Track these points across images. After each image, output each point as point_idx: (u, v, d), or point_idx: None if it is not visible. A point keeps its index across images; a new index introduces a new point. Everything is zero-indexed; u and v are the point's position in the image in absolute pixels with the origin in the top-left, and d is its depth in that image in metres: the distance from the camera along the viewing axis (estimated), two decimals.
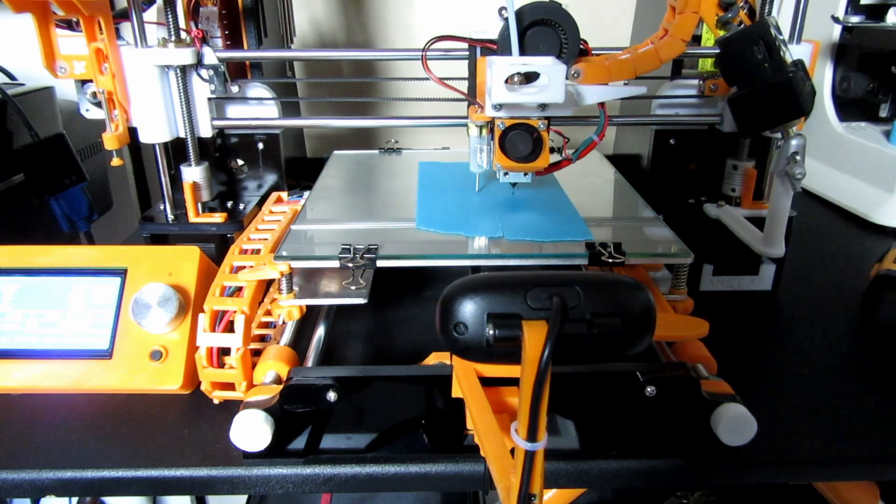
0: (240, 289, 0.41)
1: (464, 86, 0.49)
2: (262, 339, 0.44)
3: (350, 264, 0.41)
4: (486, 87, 0.43)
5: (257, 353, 0.41)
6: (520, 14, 0.43)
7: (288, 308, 0.42)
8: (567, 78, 0.44)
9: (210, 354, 0.38)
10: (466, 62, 0.48)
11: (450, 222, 0.47)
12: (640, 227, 0.49)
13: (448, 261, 0.43)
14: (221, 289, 0.41)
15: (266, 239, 0.47)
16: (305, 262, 0.42)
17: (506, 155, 0.45)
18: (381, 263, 0.41)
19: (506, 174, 0.48)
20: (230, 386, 0.40)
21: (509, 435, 0.27)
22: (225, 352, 0.39)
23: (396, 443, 0.38)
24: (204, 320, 0.39)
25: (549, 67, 0.41)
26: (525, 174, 0.48)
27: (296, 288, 0.43)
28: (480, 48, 0.47)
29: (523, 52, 0.44)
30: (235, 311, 0.39)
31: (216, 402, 0.41)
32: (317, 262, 0.42)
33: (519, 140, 0.45)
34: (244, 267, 0.42)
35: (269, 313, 0.46)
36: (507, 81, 0.41)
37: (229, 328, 0.39)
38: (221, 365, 0.39)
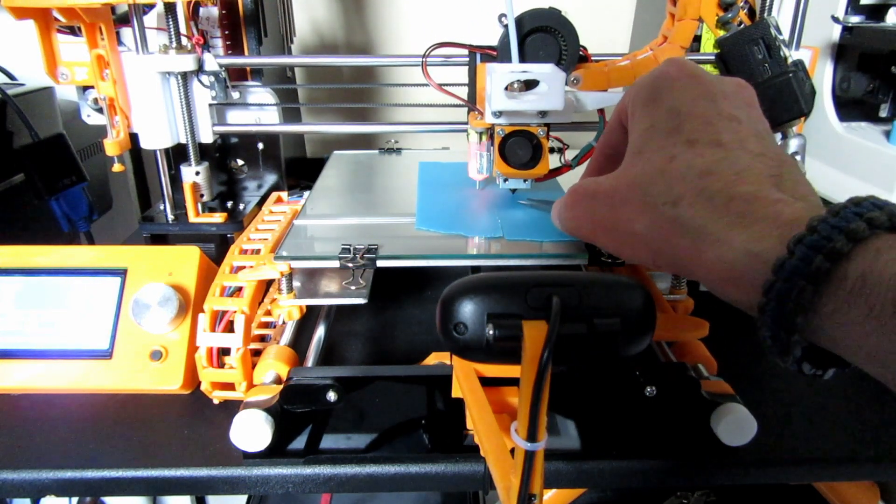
0: (240, 289, 0.41)
1: (463, 92, 0.49)
2: (262, 339, 0.44)
3: (350, 264, 0.41)
4: (486, 93, 0.43)
5: (257, 353, 0.41)
6: (520, 21, 0.43)
7: (288, 308, 0.42)
8: (567, 84, 0.44)
9: (210, 354, 0.38)
10: (466, 68, 0.48)
11: (450, 222, 0.47)
12: None
13: (448, 261, 0.43)
14: (221, 289, 0.41)
15: (266, 239, 0.46)
16: (305, 263, 0.42)
17: (506, 162, 0.45)
18: (381, 263, 0.41)
19: (505, 180, 0.48)
20: (230, 386, 0.40)
21: (509, 435, 0.27)
22: (225, 352, 0.39)
23: (396, 443, 0.38)
24: (204, 320, 0.38)
25: (548, 74, 0.41)
26: (524, 180, 0.48)
27: (296, 287, 0.43)
28: (480, 55, 0.47)
29: (523, 58, 0.44)
30: (235, 311, 0.39)
31: (216, 402, 0.41)
32: (317, 262, 0.42)
33: (519, 147, 0.45)
34: (244, 267, 0.42)
35: (269, 313, 0.46)
36: (507, 88, 0.41)
37: (229, 328, 0.39)
38: (221, 365, 0.39)
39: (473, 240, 0.45)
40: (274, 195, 0.57)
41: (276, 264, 0.41)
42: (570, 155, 0.49)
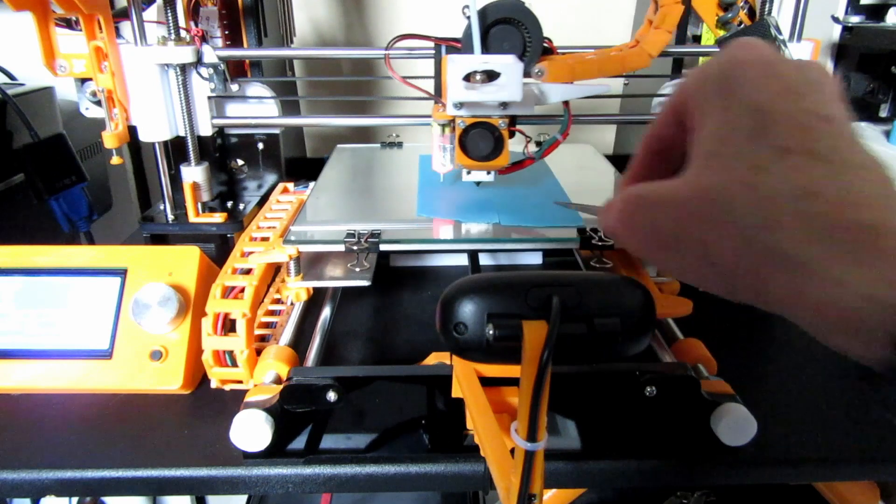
0: (242, 289, 0.41)
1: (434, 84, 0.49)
2: (267, 329, 0.46)
3: (355, 247, 0.43)
4: (446, 85, 0.43)
5: (264, 339, 0.42)
6: (483, 12, 0.43)
7: (296, 290, 0.45)
8: (531, 76, 0.44)
9: (216, 356, 0.39)
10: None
11: (448, 210, 0.49)
12: None
13: (447, 245, 0.46)
14: (223, 289, 0.41)
15: (274, 227, 0.48)
16: (313, 246, 0.44)
17: (466, 154, 0.45)
18: (384, 247, 0.43)
19: (468, 172, 0.48)
20: (238, 381, 0.41)
21: (509, 435, 0.27)
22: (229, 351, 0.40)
23: (396, 443, 0.38)
24: (207, 324, 0.39)
25: (507, 65, 0.41)
26: (488, 172, 0.48)
27: (303, 272, 0.45)
28: (446, 47, 0.46)
29: (487, 50, 0.44)
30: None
31: (227, 389, 0.42)
32: (323, 246, 0.44)
33: (479, 139, 0.45)
34: (254, 252, 0.44)
35: (271, 311, 0.46)
36: (468, 79, 0.41)
37: (231, 327, 0.39)
38: (228, 361, 0.40)
39: (471, 226, 0.46)
40: (280, 185, 0.58)
41: (284, 248, 0.43)
42: (532, 147, 0.49)
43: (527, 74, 0.44)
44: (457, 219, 0.47)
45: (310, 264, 0.46)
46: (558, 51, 0.46)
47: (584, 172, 0.63)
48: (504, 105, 0.43)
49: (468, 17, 0.43)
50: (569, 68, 0.45)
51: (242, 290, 0.41)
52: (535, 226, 0.46)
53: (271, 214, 0.51)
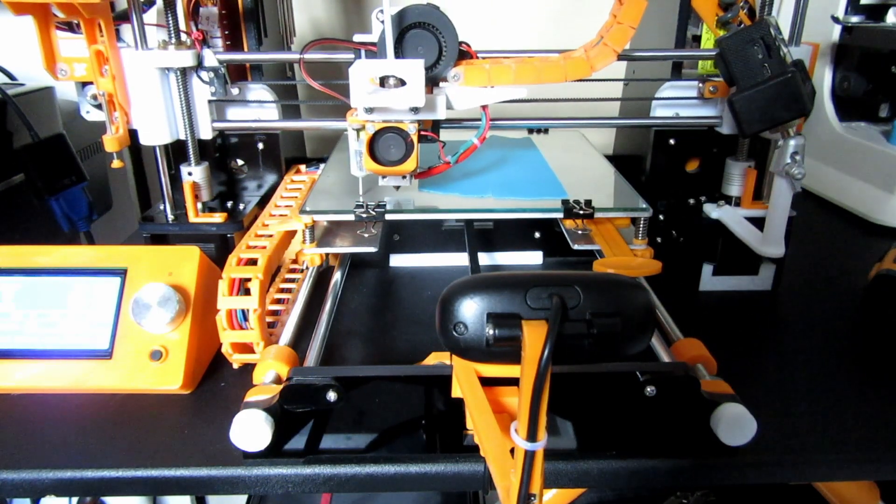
0: (255, 260, 0.44)
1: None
2: (274, 314, 0.48)
3: (364, 216, 0.49)
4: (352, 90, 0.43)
5: (271, 326, 0.44)
6: (399, 17, 0.43)
7: (311, 255, 0.51)
8: (447, 80, 0.45)
9: (230, 317, 0.41)
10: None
11: (447, 184, 0.55)
12: (609, 188, 0.57)
13: (445, 214, 0.52)
14: (238, 260, 0.44)
15: (291, 206, 0.54)
16: (327, 216, 0.50)
17: (374, 159, 0.45)
18: (389, 217, 0.49)
19: (384, 178, 0.48)
20: (248, 349, 0.43)
21: (509, 435, 0.27)
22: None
23: (396, 443, 0.38)
24: (223, 287, 0.41)
25: (409, 70, 0.41)
26: (403, 177, 0.48)
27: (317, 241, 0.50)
28: (365, 51, 0.46)
29: (402, 55, 0.44)
30: (251, 279, 0.42)
31: (236, 366, 0.44)
32: (336, 215, 0.50)
33: (388, 144, 0.45)
34: (263, 236, 0.47)
35: (277, 300, 0.47)
36: (382, 84, 0.41)
37: (245, 294, 0.42)
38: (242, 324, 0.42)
39: (467, 198, 0.52)
40: (293, 167, 0.63)
41: (301, 218, 0.49)
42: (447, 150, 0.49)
43: (443, 79, 0.45)
44: (454, 193, 0.53)
45: (324, 233, 0.52)
46: (478, 55, 0.46)
47: (571, 155, 0.67)
48: (415, 110, 0.43)
49: (382, 22, 0.43)
50: (485, 73, 0.45)
51: (255, 261, 0.43)
52: (525, 198, 0.52)
53: (287, 193, 0.57)
